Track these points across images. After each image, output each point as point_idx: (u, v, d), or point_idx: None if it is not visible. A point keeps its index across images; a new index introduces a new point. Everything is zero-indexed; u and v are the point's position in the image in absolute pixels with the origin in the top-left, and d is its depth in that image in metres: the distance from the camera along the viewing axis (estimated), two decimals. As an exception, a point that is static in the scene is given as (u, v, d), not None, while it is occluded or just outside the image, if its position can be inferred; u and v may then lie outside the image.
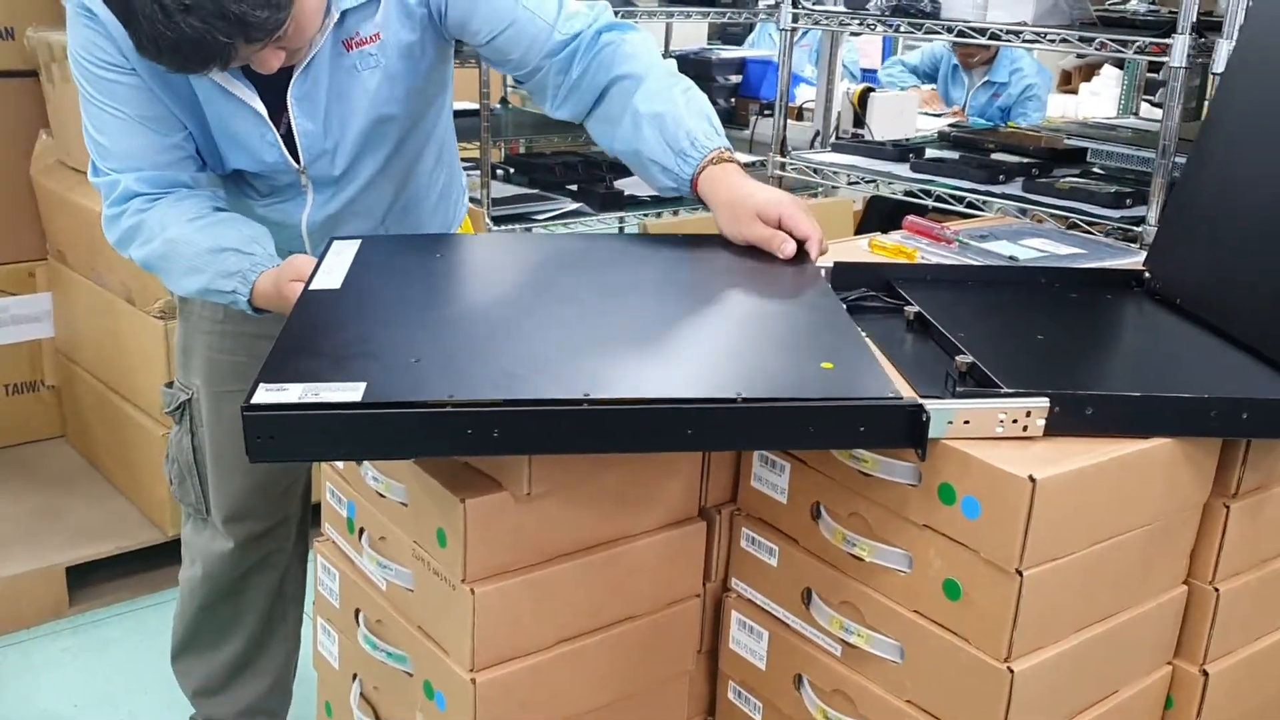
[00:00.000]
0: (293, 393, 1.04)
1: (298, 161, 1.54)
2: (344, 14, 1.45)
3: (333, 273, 1.36)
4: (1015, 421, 1.13)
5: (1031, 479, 1.05)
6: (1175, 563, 1.26)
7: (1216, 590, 1.27)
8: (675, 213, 3.49)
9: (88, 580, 2.67)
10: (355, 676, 1.42)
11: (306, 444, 1.05)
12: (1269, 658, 1.36)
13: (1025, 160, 2.46)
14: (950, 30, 2.20)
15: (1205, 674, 1.29)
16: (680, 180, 1.48)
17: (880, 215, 3.89)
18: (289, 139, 1.52)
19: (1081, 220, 2.04)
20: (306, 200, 1.60)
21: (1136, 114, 3.71)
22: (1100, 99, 4.65)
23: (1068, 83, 5.65)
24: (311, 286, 1.32)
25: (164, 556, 2.65)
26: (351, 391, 1.04)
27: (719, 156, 1.46)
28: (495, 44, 1.54)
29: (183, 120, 1.51)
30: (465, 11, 1.52)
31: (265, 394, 1.04)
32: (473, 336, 1.23)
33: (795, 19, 2.49)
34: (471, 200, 3.03)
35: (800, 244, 1.41)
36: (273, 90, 1.48)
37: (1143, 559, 1.20)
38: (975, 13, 2.18)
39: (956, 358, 1.24)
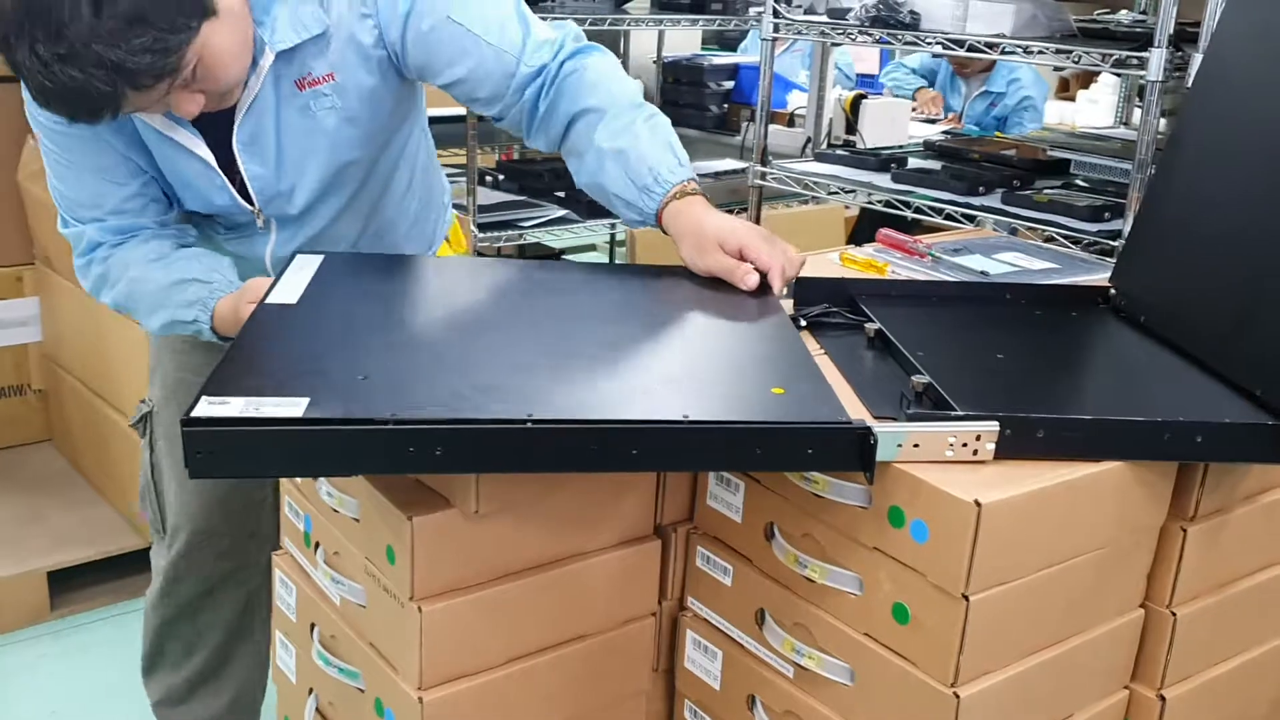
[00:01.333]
0: (234, 406, 1.03)
1: (251, 204, 1.51)
2: (291, 53, 1.41)
3: (291, 288, 1.35)
4: (965, 445, 1.12)
5: (977, 503, 1.04)
6: (1130, 586, 1.25)
7: (1174, 614, 1.26)
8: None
9: (69, 584, 2.67)
10: (311, 691, 1.42)
11: (247, 459, 1.04)
12: (1228, 682, 1.35)
13: (1007, 171, 2.45)
14: (929, 42, 2.19)
15: (1162, 698, 1.28)
16: (645, 215, 1.46)
17: (874, 222, 3.89)
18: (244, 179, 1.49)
19: (1059, 233, 2.03)
20: (269, 237, 1.57)
21: (1127, 124, 3.69)
22: (1098, 106, 4.61)
23: (1065, 89, 5.62)
24: (268, 300, 1.31)
25: (146, 562, 2.58)
26: (294, 406, 1.03)
27: (683, 190, 1.44)
28: (462, 85, 1.49)
29: (141, 165, 1.49)
30: (426, 52, 1.46)
31: (206, 407, 1.03)
32: (423, 356, 1.22)
33: (776, 28, 2.48)
34: (457, 207, 3.03)
35: (763, 275, 1.39)
36: (223, 130, 1.44)
37: (1095, 583, 1.19)
38: (955, 25, 2.16)
39: (913, 377, 1.23)
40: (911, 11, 2.22)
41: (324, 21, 1.42)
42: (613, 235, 4.07)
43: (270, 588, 1.89)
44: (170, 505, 1.78)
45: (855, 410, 1.19)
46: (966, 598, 1.07)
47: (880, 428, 1.09)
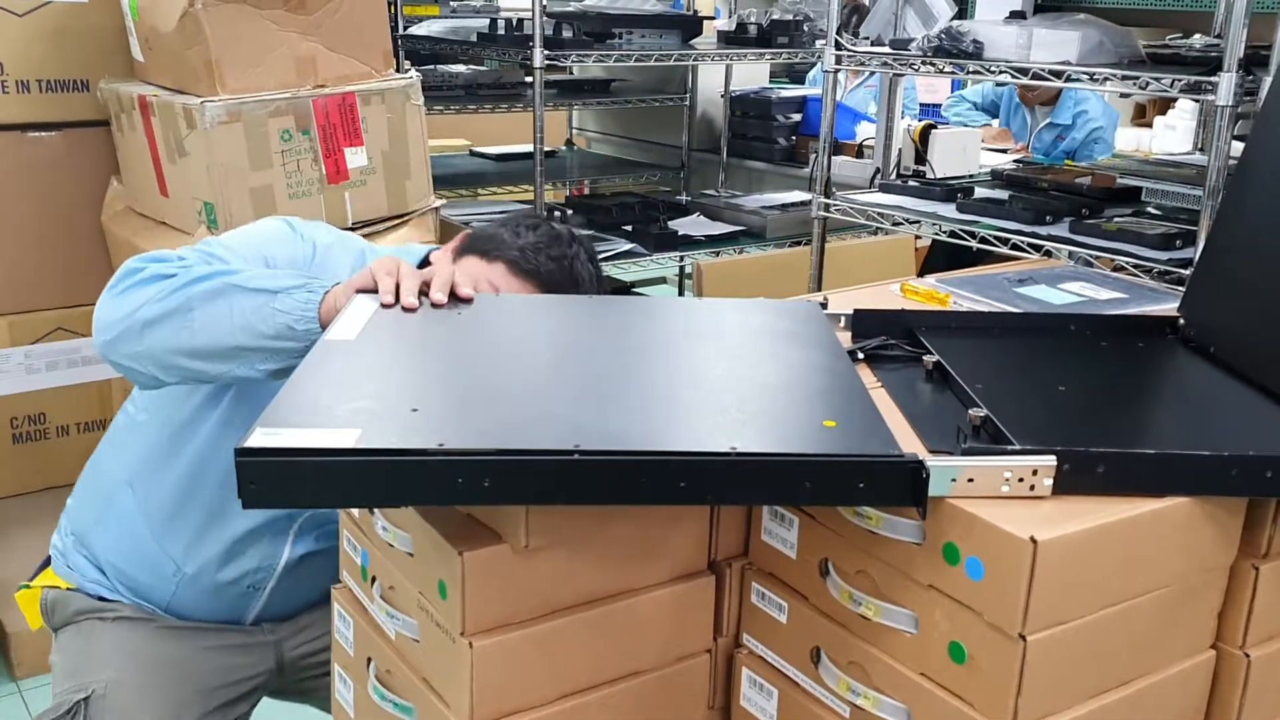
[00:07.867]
0: (286, 437, 1.05)
1: None
2: None
3: (350, 324, 1.37)
4: (1022, 480, 1.09)
5: (1033, 540, 1.02)
6: (1200, 626, 1.21)
7: (1247, 656, 1.21)
8: (741, 251, 3.49)
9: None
10: (368, 726, 1.42)
11: (297, 489, 1.06)
12: (1307, 727, 1.29)
13: (1076, 200, 2.40)
14: (993, 71, 2.17)
15: (1237, 743, 1.23)
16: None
17: (945, 252, 3.84)
18: None
19: (1128, 262, 1.98)
20: None
21: (1203, 150, 3.61)
22: (1175, 133, 4.51)
23: (1142, 116, 5.52)
24: (327, 337, 1.34)
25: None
26: (345, 437, 1.05)
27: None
28: None
29: None
30: None
31: (260, 437, 1.05)
32: (474, 388, 1.23)
33: (839, 60, 2.47)
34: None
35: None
36: None
37: (1162, 623, 1.15)
38: (1018, 53, 2.14)
39: (970, 410, 1.21)
40: (975, 41, 2.20)
41: None
42: (681, 268, 4.08)
43: None
44: None
45: (910, 444, 1.17)
46: (1024, 637, 1.04)
47: (933, 461, 1.07)
